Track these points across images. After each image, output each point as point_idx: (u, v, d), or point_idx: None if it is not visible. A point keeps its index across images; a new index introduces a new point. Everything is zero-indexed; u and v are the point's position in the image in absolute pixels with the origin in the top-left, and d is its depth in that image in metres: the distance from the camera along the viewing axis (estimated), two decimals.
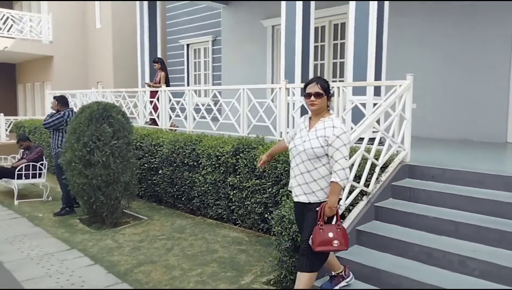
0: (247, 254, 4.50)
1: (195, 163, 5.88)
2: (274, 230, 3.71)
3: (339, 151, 2.74)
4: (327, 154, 2.77)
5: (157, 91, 7.80)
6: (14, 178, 6.93)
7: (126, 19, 13.52)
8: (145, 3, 9.51)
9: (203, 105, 7.10)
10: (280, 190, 4.67)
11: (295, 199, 2.95)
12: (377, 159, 4.06)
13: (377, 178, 4.07)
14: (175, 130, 7.47)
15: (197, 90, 11.27)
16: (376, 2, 5.39)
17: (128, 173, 5.68)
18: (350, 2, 5.59)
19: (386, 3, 5.58)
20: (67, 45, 14.05)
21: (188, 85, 12.92)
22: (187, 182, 6.01)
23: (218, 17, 11.82)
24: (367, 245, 3.74)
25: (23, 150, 7.50)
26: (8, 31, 12.99)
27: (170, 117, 7.56)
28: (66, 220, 5.88)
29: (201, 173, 5.75)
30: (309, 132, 2.85)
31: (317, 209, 2.80)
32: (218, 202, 5.65)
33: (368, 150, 3.95)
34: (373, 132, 4.33)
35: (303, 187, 2.85)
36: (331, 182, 2.76)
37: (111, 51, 13.37)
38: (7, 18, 12.99)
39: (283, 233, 3.57)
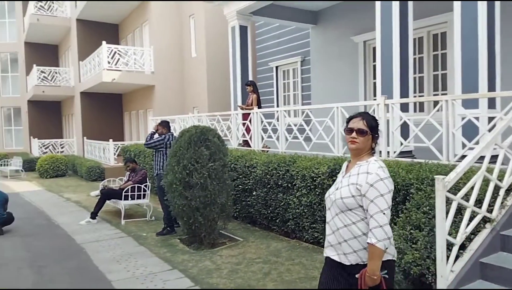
0: None
1: (289, 185, 5.76)
2: None
3: (374, 203, 2.18)
4: (362, 206, 2.25)
5: (249, 113, 7.92)
6: (121, 199, 7.47)
7: (219, 47, 14.17)
8: (237, 30, 9.83)
9: (295, 125, 7.00)
10: None
11: (341, 260, 2.33)
12: (500, 180, 3.54)
13: (501, 203, 3.54)
14: (267, 151, 7.47)
15: (289, 110, 11.27)
16: (485, 1, 4.85)
17: (224, 195, 5.75)
18: (454, 4, 5.10)
19: (497, 3, 4.99)
20: (166, 74, 15.12)
21: (277, 106, 13.02)
22: (281, 204, 5.90)
23: (306, 37, 11.81)
24: (492, 280, 3.24)
25: (129, 172, 8.08)
26: (115, 64, 14.38)
27: (262, 138, 7.60)
28: (167, 240, 6.11)
29: (296, 195, 5.60)
30: (343, 178, 2.37)
31: (357, 275, 2.24)
32: (314, 225, 5.43)
33: (490, 171, 3.46)
34: (494, 148, 3.80)
35: (343, 245, 2.30)
36: (367, 243, 2.20)
37: (205, 77, 14.07)
38: (115, 52, 14.42)
39: None
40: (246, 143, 8.17)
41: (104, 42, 14.21)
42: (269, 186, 6.13)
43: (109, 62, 14.18)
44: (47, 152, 19.45)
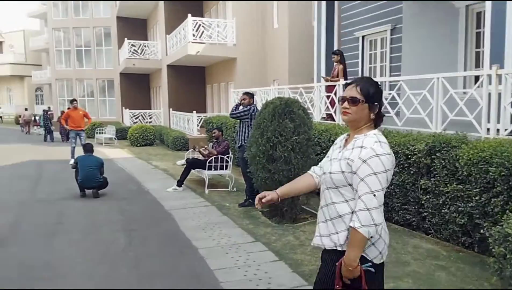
0: (447, 272, 3.81)
1: None
2: (494, 250, 2.98)
3: (364, 182, 1.82)
4: (351, 185, 1.89)
5: (334, 85, 7.54)
6: (205, 169, 7.64)
7: (302, 17, 13.72)
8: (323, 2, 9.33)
9: (385, 99, 6.51)
10: (493, 199, 3.81)
11: (315, 241, 2.07)
12: None
13: None
14: None
15: (380, 82, 10.60)
16: None
17: (308, 169, 5.54)
18: None
19: None
20: (247, 47, 15.07)
21: None
22: None
23: (398, 3, 10.86)
24: None
25: (213, 142, 8.22)
26: (200, 37, 14.63)
27: None
28: (249, 211, 6.13)
29: None
30: (339, 153, 2.02)
31: (337, 263, 1.90)
32: (405, 206, 5.03)
33: None
34: None
35: (328, 224, 1.98)
36: (349, 227, 1.85)
37: (286, 49, 13.77)
38: (199, 25, 14.65)
39: (508, 257, 2.82)
40: (329, 117, 7.84)
41: (189, 15, 14.48)
42: None
43: (194, 35, 14.45)
44: (137, 122, 20.74)
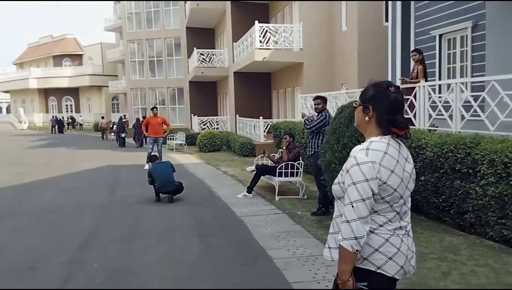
0: None
1: (470, 171, 4.87)
2: None
3: (346, 193, 1.76)
4: None
5: (413, 88, 7.04)
6: (275, 176, 7.50)
7: (372, 18, 13.20)
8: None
9: (475, 100, 5.93)
10: None
11: (324, 253, 1.97)
12: None
13: None
14: (435, 130, 6.56)
15: (466, 82, 9.84)
16: None
17: None
18: None
19: None
20: (314, 51, 14.80)
21: (439, 79, 11.52)
22: (458, 192, 5.05)
23: None
24: None
25: (282, 149, 8.06)
26: (266, 43, 14.63)
27: (430, 116, 6.69)
28: (322, 221, 5.87)
29: (479, 183, 4.70)
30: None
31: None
32: (503, 221, 4.48)
33: None
34: None
35: (336, 236, 1.85)
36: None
37: (356, 52, 13.30)
38: (266, 31, 14.66)
39: None
40: (408, 122, 7.34)
41: (256, 22, 14.55)
42: (442, 171, 5.32)
43: (260, 41, 14.49)
44: (205, 128, 21.26)
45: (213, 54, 21.25)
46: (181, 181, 7.90)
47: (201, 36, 24.71)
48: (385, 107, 1.81)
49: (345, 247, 1.72)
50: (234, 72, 19.02)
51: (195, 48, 21.36)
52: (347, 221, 1.72)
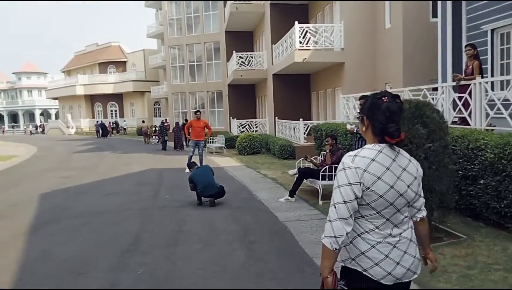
0: None
1: None
2: None
3: (332, 195, 1.90)
4: None
5: (468, 85, 6.58)
6: (318, 179, 7.25)
7: (417, 15, 12.62)
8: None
9: None
10: None
11: None
12: None
13: None
14: (493, 130, 6.07)
15: None
16: None
17: (445, 182, 4.81)
18: None
19: None
20: (356, 50, 14.38)
21: (492, 76, 10.80)
22: None
23: None
24: None
25: (325, 152, 7.80)
26: (306, 43, 14.37)
27: (487, 115, 6.21)
28: None
29: None
30: None
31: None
32: None
33: None
34: None
35: None
36: None
37: (401, 50, 12.76)
38: (306, 32, 14.40)
39: None
40: (463, 121, 6.87)
41: (296, 22, 14.34)
42: (504, 173, 4.88)
43: (300, 42, 14.25)
44: (244, 131, 21.25)
45: (252, 57, 21.22)
46: (222, 184, 7.81)
47: (240, 40, 24.78)
48: (378, 117, 1.89)
49: (326, 245, 1.83)
50: (273, 74, 18.88)
51: (234, 51, 21.42)
52: (329, 221, 1.85)
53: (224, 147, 19.18)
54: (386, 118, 1.86)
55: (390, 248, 1.86)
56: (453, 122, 7.08)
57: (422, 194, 2.02)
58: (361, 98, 6.16)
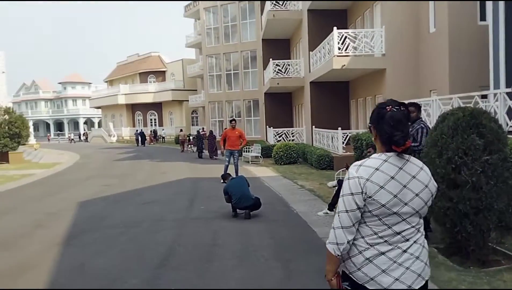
0: None
1: None
2: None
3: (338, 203, 1.98)
4: None
5: None
6: None
7: (464, 18, 11.93)
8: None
9: None
10: None
11: None
12: None
13: None
14: None
15: None
16: None
17: (504, 198, 4.33)
18: None
19: None
20: (398, 56, 13.80)
21: None
22: None
23: None
24: None
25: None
26: (345, 50, 13.96)
27: None
28: None
29: None
30: None
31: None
32: None
33: None
34: None
35: None
36: None
37: (447, 55, 12.09)
38: (345, 37, 13.99)
39: None
40: None
41: (335, 28, 13.97)
42: None
43: (339, 48, 13.86)
44: (280, 140, 20.98)
45: (288, 65, 20.98)
46: (258, 195, 7.56)
47: (277, 47, 24.64)
48: (383, 126, 1.90)
49: (329, 250, 1.94)
50: (311, 82, 18.54)
51: (270, 59, 21.27)
52: (333, 228, 1.93)
53: (260, 157, 18.97)
54: (391, 127, 1.87)
55: (393, 260, 1.86)
56: (509, 132, 6.49)
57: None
58: (410, 105, 5.68)
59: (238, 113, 30.42)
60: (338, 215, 1.90)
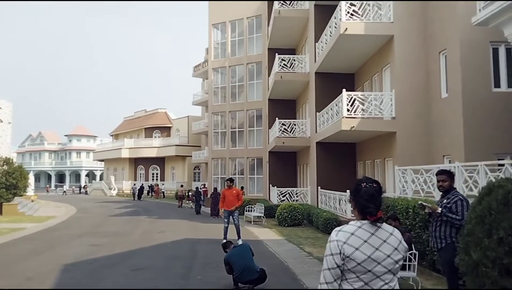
0: None
1: None
2: None
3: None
4: None
5: None
6: None
7: (479, 84, 11.67)
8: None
9: None
10: None
11: None
12: None
13: None
14: None
15: None
16: None
17: None
18: None
19: None
20: (409, 119, 13.43)
21: None
22: None
23: None
24: None
25: None
26: (354, 112, 13.66)
27: None
28: None
29: None
30: None
31: None
32: None
33: None
34: None
35: None
36: None
37: (461, 121, 11.65)
38: (354, 100, 13.74)
39: None
40: None
41: (344, 90, 13.78)
42: None
43: (348, 110, 13.56)
44: (284, 200, 20.21)
45: (294, 124, 20.73)
46: (260, 262, 6.74)
47: (282, 107, 24.64)
48: (359, 199, 2.27)
49: None
50: (317, 142, 18.15)
51: (277, 118, 21.08)
52: (320, 283, 2.26)
53: (263, 217, 18.09)
54: (365, 201, 2.21)
55: None
56: None
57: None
58: (440, 173, 5.02)
59: (241, 171, 29.87)
60: (323, 272, 2.21)
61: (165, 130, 51.82)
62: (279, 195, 20.71)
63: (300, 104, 24.09)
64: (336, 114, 14.86)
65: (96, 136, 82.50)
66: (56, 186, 68.21)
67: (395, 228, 2.27)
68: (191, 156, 44.12)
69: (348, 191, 14.30)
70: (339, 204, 14.88)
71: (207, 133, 33.49)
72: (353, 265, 2.14)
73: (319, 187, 17.83)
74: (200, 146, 45.16)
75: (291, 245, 11.52)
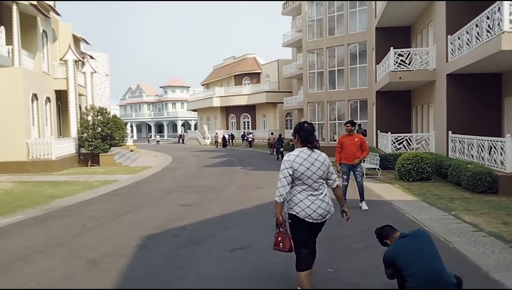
0: None
1: None
2: None
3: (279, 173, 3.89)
4: None
5: None
6: None
7: None
8: None
9: None
10: None
11: None
12: None
13: None
14: None
15: None
16: None
17: None
18: None
19: None
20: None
21: None
22: None
23: None
24: None
25: None
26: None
27: None
28: None
29: None
30: None
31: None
32: None
33: None
34: None
35: None
36: None
37: None
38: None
39: None
40: None
41: None
42: None
43: (511, 21, 9.48)
44: (401, 148, 16.77)
45: (415, 54, 16.59)
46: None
47: (393, 37, 20.31)
48: (301, 133, 3.91)
49: (277, 200, 3.79)
50: (448, 75, 14.13)
51: (391, 48, 17.00)
52: (277, 188, 3.79)
53: (378, 169, 14.98)
54: (306, 134, 3.88)
55: (311, 202, 3.79)
56: None
57: (334, 175, 4.01)
58: None
59: (342, 116, 26.57)
60: (280, 180, 3.77)
61: (255, 76, 49.57)
62: (394, 143, 17.23)
63: (418, 30, 19.51)
64: (488, 31, 10.79)
65: (189, 86, 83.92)
66: (155, 136, 71.40)
67: (322, 152, 3.93)
68: (282, 102, 41.54)
69: (508, 135, 10.54)
70: (489, 154, 11.16)
71: (300, 77, 30.35)
72: (298, 174, 3.75)
73: (449, 132, 14.07)
74: (291, 92, 42.21)
75: (436, 209, 8.45)
